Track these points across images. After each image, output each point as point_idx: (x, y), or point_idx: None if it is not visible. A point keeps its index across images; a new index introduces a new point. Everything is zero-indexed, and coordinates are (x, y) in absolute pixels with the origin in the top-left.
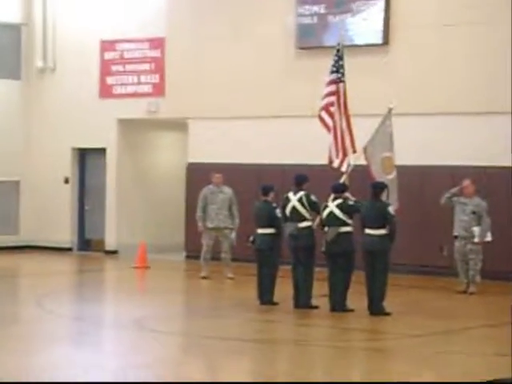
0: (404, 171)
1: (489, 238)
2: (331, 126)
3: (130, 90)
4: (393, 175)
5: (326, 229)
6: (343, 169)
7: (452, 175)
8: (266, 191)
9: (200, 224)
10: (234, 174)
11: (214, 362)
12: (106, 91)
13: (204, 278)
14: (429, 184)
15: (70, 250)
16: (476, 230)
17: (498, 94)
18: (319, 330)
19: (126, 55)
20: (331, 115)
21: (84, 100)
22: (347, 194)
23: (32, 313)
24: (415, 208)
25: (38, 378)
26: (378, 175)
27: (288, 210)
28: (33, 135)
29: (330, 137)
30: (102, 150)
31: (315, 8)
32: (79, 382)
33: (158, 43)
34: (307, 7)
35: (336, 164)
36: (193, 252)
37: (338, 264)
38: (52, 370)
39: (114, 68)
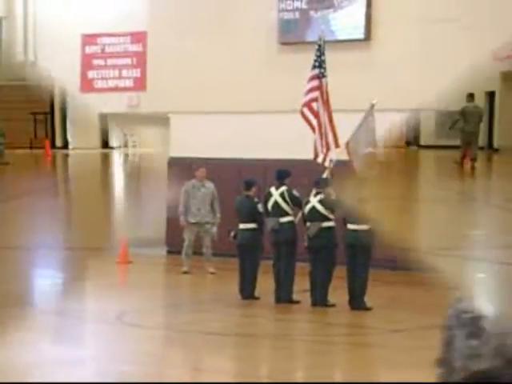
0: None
1: None
2: (315, 125)
3: (112, 84)
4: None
5: (308, 224)
6: (326, 164)
7: None
8: (248, 186)
9: (182, 219)
10: (215, 168)
11: (195, 357)
12: (87, 85)
13: (185, 272)
14: None
15: None
16: None
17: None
18: (300, 325)
19: (108, 49)
20: (314, 112)
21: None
22: (329, 190)
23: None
24: None
25: (19, 372)
26: (361, 171)
27: (270, 205)
28: None
29: (315, 133)
30: None
31: (297, 3)
32: (73, 382)
33: (139, 37)
34: (289, 2)
35: (320, 159)
36: (174, 247)
37: (320, 259)
38: (32, 364)
39: (96, 62)
